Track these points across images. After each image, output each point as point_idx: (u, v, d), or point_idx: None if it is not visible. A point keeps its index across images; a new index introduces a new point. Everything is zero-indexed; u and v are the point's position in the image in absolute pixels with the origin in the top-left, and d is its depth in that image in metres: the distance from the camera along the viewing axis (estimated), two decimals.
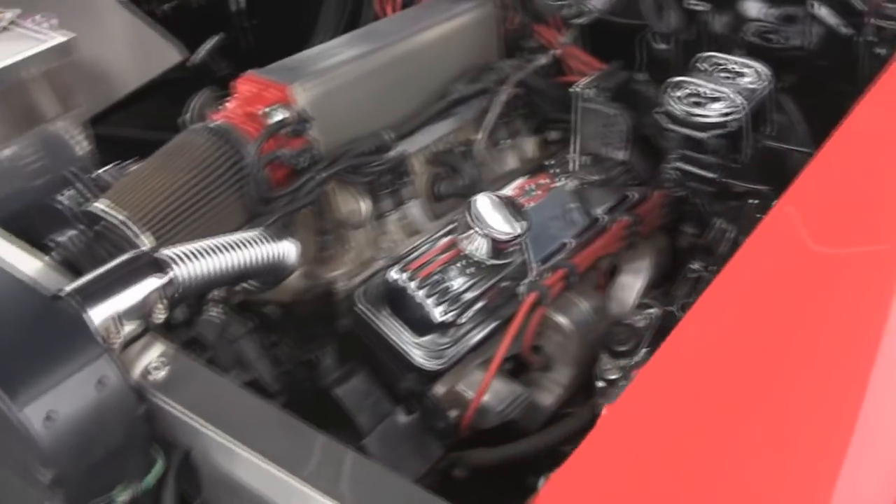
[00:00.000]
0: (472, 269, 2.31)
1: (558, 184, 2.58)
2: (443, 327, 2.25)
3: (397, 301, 2.26)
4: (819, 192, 1.67)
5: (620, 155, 2.50)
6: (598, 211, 2.55)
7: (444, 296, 2.25)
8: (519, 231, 2.26)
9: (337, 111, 2.36)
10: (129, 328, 1.70)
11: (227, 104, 2.33)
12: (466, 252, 2.30)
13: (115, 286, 1.71)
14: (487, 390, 2.28)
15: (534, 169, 2.64)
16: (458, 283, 2.28)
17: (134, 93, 3.17)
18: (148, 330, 1.74)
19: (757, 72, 2.35)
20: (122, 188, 2.15)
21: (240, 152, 2.20)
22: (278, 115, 2.23)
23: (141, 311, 1.72)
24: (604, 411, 1.42)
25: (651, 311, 2.46)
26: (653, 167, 2.58)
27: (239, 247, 1.94)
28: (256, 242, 1.98)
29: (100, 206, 2.11)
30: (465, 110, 2.60)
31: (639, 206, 2.59)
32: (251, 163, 2.16)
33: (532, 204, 2.47)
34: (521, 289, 2.32)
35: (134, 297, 1.72)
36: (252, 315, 2.26)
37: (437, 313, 2.23)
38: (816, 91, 2.43)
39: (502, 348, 2.26)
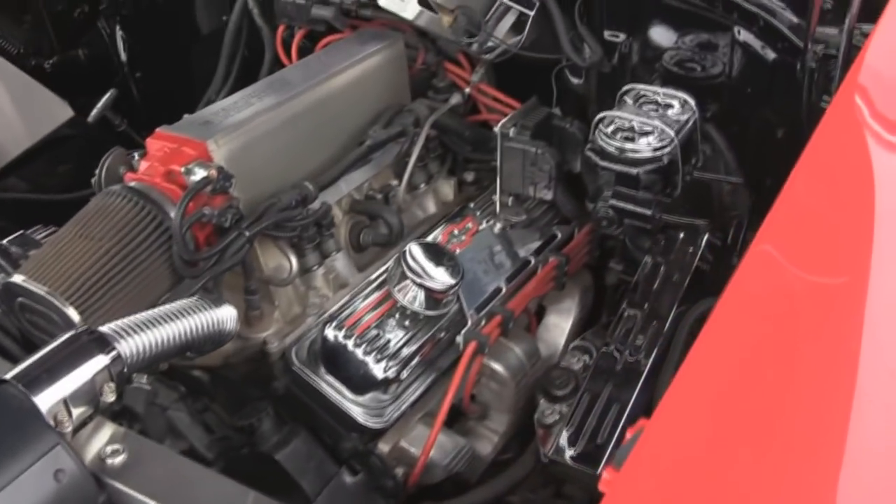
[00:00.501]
0: (408, 322, 2.25)
1: (483, 227, 2.52)
2: (384, 384, 2.18)
3: (335, 359, 2.19)
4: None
5: (547, 194, 2.47)
6: (526, 252, 2.51)
7: (384, 352, 2.19)
8: (454, 281, 2.21)
9: (254, 165, 2.27)
10: (77, 412, 1.57)
11: (141, 163, 2.20)
12: (401, 303, 2.24)
13: (59, 368, 1.59)
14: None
15: (456, 212, 2.59)
16: (395, 337, 2.23)
17: (23, 153, 3.01)
18: (97, 412, 1.62)
19: (682, 102, 2.36)
20: (41, 259, 2.01)
21: (162, 213, 2.09)
22: (199, 173, 2.12)
23: (90, 394, 1.60)
24: (605, 475, 1.36)
25: (585, 353, 2.45)
26: (577, 205, 2.56)
27: (180, 317, 1.84)
28: (196, 310, 1.88)
29: (18, 279, 1.97)
30: (382, 155, 2.54)
31: (565, 245, 2.57)
32: (176, 224, 2.04)
33: (459, 250, 2.42)
34: (459, 339, 2.27)
35: (81, 379, 1.60)
36: (180, 381, 2.15)
37: (379, 370, 2.17)
38: (740, 118, 2.44)
39: (446, 402, 2.21)
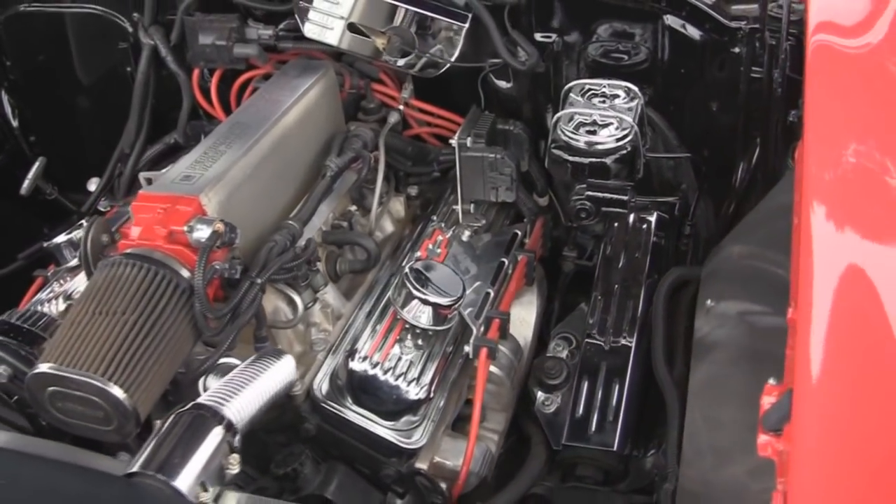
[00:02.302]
0: (421, 341, 2.31)
1: (450, 235, 2.59)
2: (416, 406, 2.22)
3: (366, 390, 2.22)
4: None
5: (509, 196, 2.56)
6: (495, 255, 2.59)
7: (409, 374, 2.23)
8: (459, 294, 2.28)
9: (239, 212, 2.25)
10: (212, 489, 1.57)
11: (131, 228, 2.15)
12: (411, 323, 2.29)
13: (185, 449, 1.58)
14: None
15: (420, 228, 2.64)
16: (415, 357, 2.27)
17: None
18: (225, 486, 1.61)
19: (627, 91, 2.50)
20: (64, 344, 1.94)
21: (175, 276, 2.05)
22: (202, 229, 2.09)
23: (218, 468, 1.60)
24: (764, 439, 1.47)
25: (568, 342, 2.57)
26: (535, 202, 2.68)
27: (261, 373, 1.84)
28: (269, 364, 1.88)
29: (46, 368, 1.90)
30: (339, 184, 2.56)
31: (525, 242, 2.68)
32: (199, 284, 2.02)
33: (440, 262, 2.48)
34: (468, 348, 2.33)
35: (208, 455, 1.59)
36: None
37: (412, 393, 2.22)
38: (675, 98, 2.61)
39: (476, 411, 2.28)
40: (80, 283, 2.45)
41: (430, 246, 2.53)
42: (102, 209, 3.02)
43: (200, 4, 2.79)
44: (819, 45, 2.07)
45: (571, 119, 2.43)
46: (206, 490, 1.54)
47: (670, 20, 2.52)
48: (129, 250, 2.10)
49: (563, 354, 2.57)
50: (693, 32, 2.50)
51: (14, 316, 2.34)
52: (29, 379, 1.95)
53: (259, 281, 2.14)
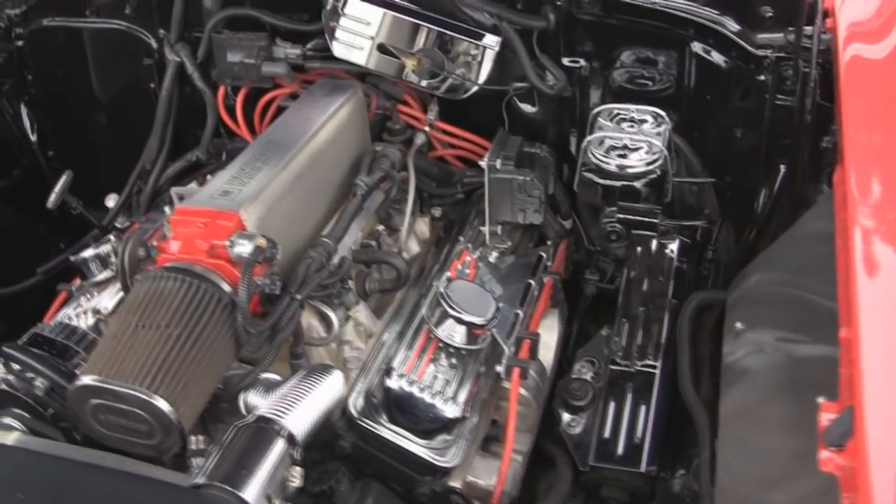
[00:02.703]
0: (455, 360, 2.32)
1: (477, 256, 2.61)
2: (452, 424, 2.23)
3: (403, 408, 2.22)
4: None
5: (537, 217, 2.59)
6: (522, 277, 2.61)
7: (446, 393, 2.24)
8: (493, 314, 2.30)
9: (277, 227, 2.26)
10: (278, 502, 1.57)
11: (170, 242, 2.16)
12: (445, 342, 2.30)
13: (251, 461, 1.59)
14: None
15: (448, 249, 2.65)
16: (450, 376, 2.28)
17: None
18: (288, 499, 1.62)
19: (655, 116, 2.54)
20: (108, 356, 1.94)
21: (218, 290, 2.06)
22: (244, 244, 2.10)
23: (282, 481, 1.60)
24: (826, 455, 1.49)
25: (592, 364, 2.59)
26: (561, 224, 2.70)
27: (315, 386, 1.85)
28: (321, 378, 1.89)
29: (91, 380, 1.91)
30: (368, 203, 2.58)
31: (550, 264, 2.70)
32: (244, 298, 2.03)
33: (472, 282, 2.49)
34: (500, 368, 2.34)
35: (273, 467, 1.59)
36: None
37: (449, 411, 2.22)
38: (700, 124, 2.64)
39: (510, 431, 2.29)
40: (108, 297, 2.45)
41: (459, 266, 2.54)
42: (120, 226, 3.01)
43: (228, 23, 2.80)
44: (851, 72, 2.12)
45: (602, 143, 2.46)
46: (271, 502, 1.53)
47: (697, 47, 2.55)
48: (169, 264, 2.11)
49: (588, 376, 2.59)
50: (719, 60, 2.54)
51: (45, 329, 2.34)
52: (72, 391, 1.94)
53: (299, 297, 2.15)
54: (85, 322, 2.40)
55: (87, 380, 1.92)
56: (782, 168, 2.58)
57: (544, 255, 2.67)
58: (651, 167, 2.42)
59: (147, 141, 3.01)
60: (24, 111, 3.16)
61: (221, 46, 2.77)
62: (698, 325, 2.57)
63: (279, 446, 1.63)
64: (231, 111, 2.91)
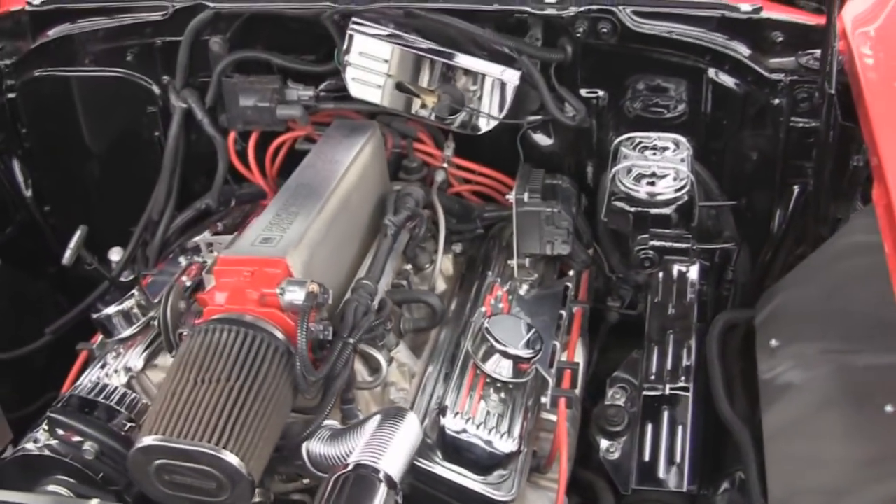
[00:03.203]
0: (503, 394, 2.32)
1: (507, 290, 2.61)
2: (509, 459, 2.22)
3: (460, 446, 2.21)
4: None
5: (565, 248, 2.61)
6: (552, 308, 2.62)
7: (500, 428, 2.23)
8: (538, 347, 2.30)
9: (320, 270, 2.26)
10: None
11: (214, 293, 2.13)
12: (492, 377, 2.30)
13: None
14: None
15: (478, 285, 2.66)
16: (501, 411, 2.28)
17: None
18: None
19: (676, 142, 2.58)
20: (168, 414, 1.91)
21: (273, 339, 2.04)
22: (295, 291, 2.08)
23: None
24: None
25: (624, 390, 2.61)
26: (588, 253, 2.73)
27: (396, 430, 1.84)
28: (398, 421, 1.89)
29: (154, 441, 1.88)
30: (397, 243, 2.57)
31: (577, 293, 2.72)
32: (302, 347, 2.01)
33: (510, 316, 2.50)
34: (545, 399, 2.35)
35: None
36: None
37: (505, 447, 2.21)
38: (717, 149, 2.69)
39: (564, 460, 2.29)
40: (137, 354, 2.41)
41: (493, 301, 2.54)
42: (125, 279, 2.96)
43: (236, 66, 2.78)
44: (874, 90, 2.18)
45: (630, 171, 2.48)
46: None
47: (713, 73, 2.60)
48: (219, 315, 2.08)
49: (622, 402, 2.61)
50: (735, 85, 2.59)
51: (81, 391, 2.29)
52: (134, 453, 1.91)
53: (351, 342, 2.14)
54: (118, 381, 2.35)
55: (150, 440, 1.89)
56: (796, 189, 2.63)
57: (570, 285, 2.69)
58: (680, 193, 2.45)
59: (151, 191, 2.95)
60: (16, 165, 3.08)
61: (233, 91, 2.75)
62: (725, 345, 2.61)
63: (382, 491, 1.62)
64: (241, 157, 2.88)
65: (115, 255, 2.96)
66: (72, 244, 2.66)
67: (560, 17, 2.58)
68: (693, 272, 2.69)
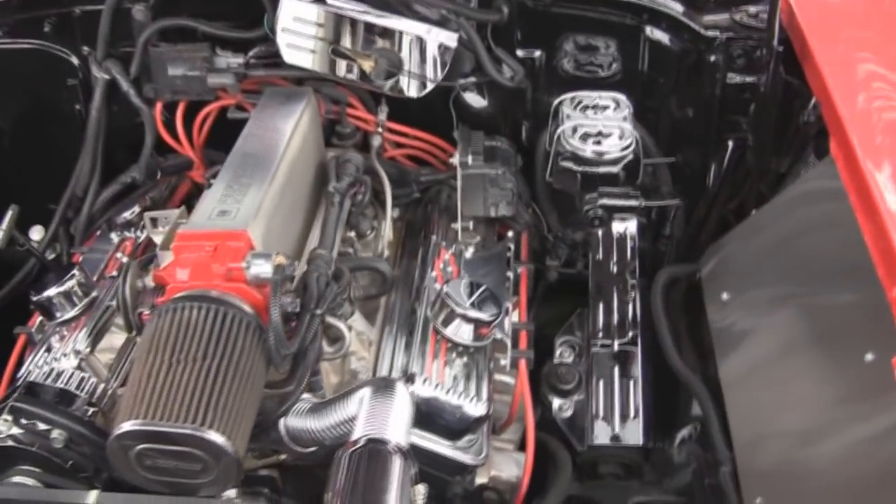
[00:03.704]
0: (467, 358, 2.33)
1: (452, 254, 2.61)
2: (479, 422, 2.23)
3: (430, 412, 2.20)
4: None
5: (508, 210, 2.61)
6: (498, 270, 2.63)
7: (469, 392, 2.24)
8: (498, 310, 2.31)
9: (276, 242, 2.22)
10: None
11: (175, 270, 2.06)
12: (454, 342, 2.30)
13: (379, 485, 1.57)
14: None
15: (424, 248, 2.64)
16: (467, 375, 2.29)
17: None
18: None
19: (616, 101, 2.60)
20: (145, 397, 1.84)
21: (243, 314, 1.99)
22: (259, 264, 2.03)
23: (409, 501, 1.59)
24: None
25: (571, 348, 2.65)
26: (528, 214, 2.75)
27: (392, 399, 1.84)
28: (391, 389, 1.89)
29: (134, 425, 1.82)
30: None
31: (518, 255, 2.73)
32: (277, 321, 1.97)
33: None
34: (505, 360, 2.37)
35: (400, 487, 1.59)
36: (259, 482, 2.11)
37: (475, 410, 2.21)
38: (654, 106, 2.73)
39: (530, 421, 2.31)
40: (84, 336, 2.32)
41: (441, 265, 2.53)
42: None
43: (160, 35, 2.68)
44: (821, 46, 2.25)
45: (575, 131, 2.50)
46: None
47: (649, 32, 2.63)
48: (185, 293, 2.02)
49: (570, 360, 2.64)
50: (671, 43, 2.63)
51: (36, 377, 2.19)
52: (113, 440, 1.84)
53: (319, 313, 2.10)
54: (68, 364, 2.26)
55: (129, 425, 1.82)
56: (730, 143, 2.70)
57: (511, 246, 2.70)
58: (626, 152, 2.48)
59: (71, 166, 2.83)
60: None
61: (160, 60, 2.65)
62: (668, 300, 2.67)
63: (398, 463, 1.60)
64: (167, 127, 2.79)
65: (36, 233, 2.84)
66: (3, 225, 2.54)
67: None
68: (632, 228, 2.72)
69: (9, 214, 2.56)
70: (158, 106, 2.75)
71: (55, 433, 2.01)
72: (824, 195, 2.13)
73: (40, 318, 2.46)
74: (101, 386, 2.20)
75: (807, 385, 2.08)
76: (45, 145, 2.91)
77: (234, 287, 2.03)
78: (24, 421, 2.03)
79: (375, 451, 1.62)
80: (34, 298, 2.37)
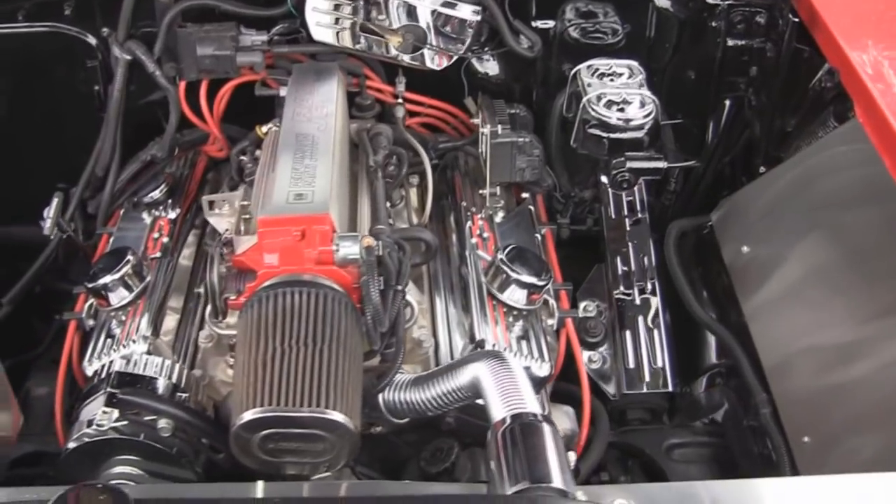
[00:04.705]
0: (522, 321, 2.46)
1: (484, 219, 2.73)
2: (543, 382, 2.38)
3: None
4: None
5: (535, 175, 2.74)
6: (525, 231, 2.76)
7: (533, 353, 2.38)
8: (549, 274, 2.45)
9: (341, 220, 2.31)
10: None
11: (263, 255, 2.14)
12: (510, 306, 2.44)
13: (542, 456, 1.69)
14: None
15: (455, 215, 2.75)
16: (527, 337, 2.42)
17: None
18: None
19: (630, 68, 2.75)
20: (262, 384, 1.92)
21: (343, 297, 2.09)
22: (348, 246, 2.14)
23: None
24: None
25: (594, 301, 2.83)
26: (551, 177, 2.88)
27: (512, 368, 1.99)
28: (502, 359, 2.03)
29: (257, 413, 1.91)
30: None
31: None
32: (377, 301, 2.08)
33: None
34: (552, 322, 2.51)
35: (558, 455, 1.71)
36: None
37: (541, 370, 2.35)
38: (658, 69, 2.89)
39: (584, 377, 2.48)
40: (147, 320, 2.36)
41: (477, 231, 2.65)
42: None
43: (181, 16, 2.70)
44: (832, 18, 2.44)
45: (600, 99, 2.64)
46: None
47: (659, 1, 2.79)
48: (281, 278, 2.09)
49: (594, 313, 2.81)
50: (678, 11, 2.79)
51: (118, 365, 2.24)
52: (239, 428, 1.92)
53: (400, 288, 2.20)
54: (139, 349, 2.31)
55: (254, 414, 1.91)
56: (727, 102, 2.88)
57: (532, 208, 2.83)
58: (648, 119, 2.63)
59: (87, 147, 2.82)
60: None
61: (189, 40, 2.66)
62: (681, 251, 2.87)
63: (549, 431, 1.73)
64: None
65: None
66: (50, 213, 2.56)
67: None
68: (642, 185, 2.89)
69: (54, 202, 2.59)
70: (182, 85, 2.76)
71: (163, 422, 2.07)
72: (850, 156, 2.33)
73: (88, 303, 2.48)
74: (178, 368, 2.25)
75: (839, 308, 2.29)
76: (60, 126, 2.89)
77: (325, 269, 2.12)
78: (129, 412, 2.08)
79: (526, 424, 1.74)
80: (89, 285, 2.40)
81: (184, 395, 2.20)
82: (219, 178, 2.98)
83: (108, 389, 2.11)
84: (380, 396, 2.15)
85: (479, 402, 2.23)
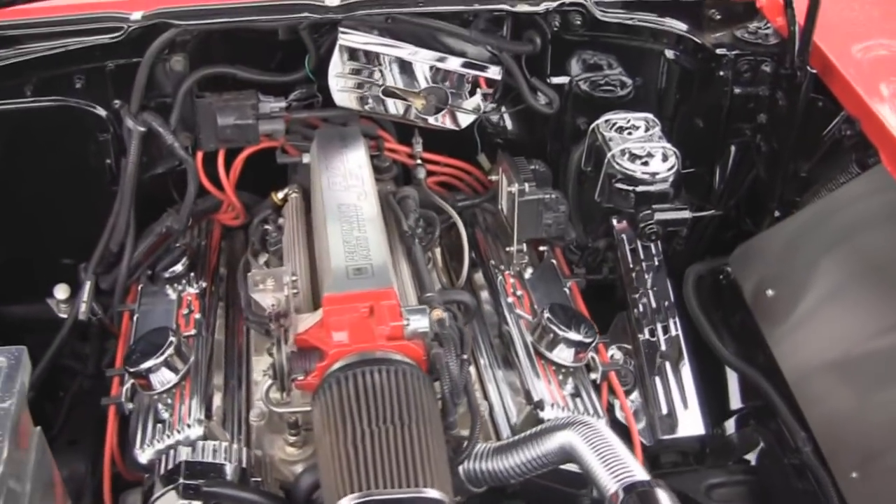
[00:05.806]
0: (572, 379, 2.48)
1: (513, 275, 2.75)
2: None
3: None
4: None
5: (560, 231, 2.77)
6: (552, 285, 2.78)
7: (588, 409, 2.40)
8: (595, 333, 2.48)
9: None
10: None
11: (330, 333, 2.11)
12: (559, 364, 2.46)
13: None
14: None
15: (484, 273, 2.76)
16: (579, 394, 2.45)
17: None
18: None
19: (646, 121, 2.81)
20: (357, 469, 1.89)
21: (417, 370, 2.09)
22: (418, 320, 2.13)
23: None
24: None
25: (619, 350, 2.86)
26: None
27: (606, 434, 2.02)
28: (592, 424, 2.06)
29: (356, 499, 1.86)
30: None
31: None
32: (454, 374, 2.08)
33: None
34: (595, 375, 2.54)
35: None
36: None
37: None
38: (669, 119, 2.94)
39: (633, 427, 2.51)
40: (196, 402, 2.31)
41: (512, 290, 2.67)
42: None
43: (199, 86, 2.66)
44: (849, 67, 2.54)
45: (624, 153, 2.68)
46: None
47: (670, 54, 2.85)
48: (356, 356, 2.07)
49: (621, 362, 2.85)
50: (687, 63, 2.86)
51: (185, 454, 2.18)
52: None
53: (465, 357, 2.20)
54: (195, 434, 2.26)
55: (352, 499, 1.86)
56: (733, 148, 2.96)
57: (554, 262, 2.86)
58: (671, 171, 2.68)
59: (98, 221, 2.75)
60: None
61: (208, 110, 2.63)
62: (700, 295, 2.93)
63: (664, 495, 1.76)
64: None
65: (61, 292, 2.78)
66: (84, 297, 2.49)
67: (536, 12, 2.70)
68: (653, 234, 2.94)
69: (87, 286, 2.52)
70: (200, 156, 2.71)
71: None
72: (877, 200, 2.42)
73: (126, 387, 2.41)
74: (245, 452, 2.21)
75: (875, 345, 2.39)
76: (66, 201, 2.80)
77: (398, 345, 2.10)
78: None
79: (642, 493, 1.77)
80: (131, 370, 2.34)
81: (257, 479, 2.15)
82: (232, 247, 2.93)
83: (183, 481, 2.05)
84: (460, 469, 2.13)
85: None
